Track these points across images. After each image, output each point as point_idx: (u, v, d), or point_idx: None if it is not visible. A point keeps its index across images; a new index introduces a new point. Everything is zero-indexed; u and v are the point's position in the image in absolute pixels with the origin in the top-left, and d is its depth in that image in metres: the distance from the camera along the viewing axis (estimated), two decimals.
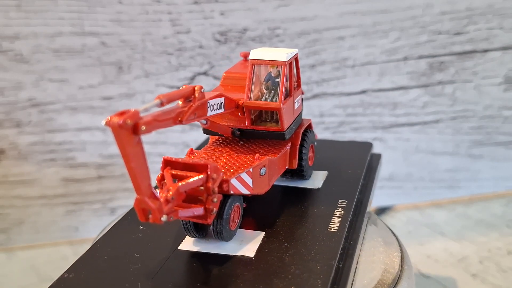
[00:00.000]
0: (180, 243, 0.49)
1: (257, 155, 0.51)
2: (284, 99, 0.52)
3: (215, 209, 0.44)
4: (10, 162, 0.82)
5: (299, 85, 0.57)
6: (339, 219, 0.51)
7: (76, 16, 0.78)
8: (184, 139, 0.86)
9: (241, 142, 0.56)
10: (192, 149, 0.53)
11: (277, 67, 0.52)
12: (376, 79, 0.88)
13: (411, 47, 0.87)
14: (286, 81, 0.53)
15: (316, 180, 0.59)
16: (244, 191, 0.48)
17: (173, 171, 0.45)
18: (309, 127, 0.60)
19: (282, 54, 0.52)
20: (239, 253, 0.47)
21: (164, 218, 0.40)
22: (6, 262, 0.82)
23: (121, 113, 0.37)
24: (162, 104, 0.41)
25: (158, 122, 0.40)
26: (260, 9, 0.81)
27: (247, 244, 0.48)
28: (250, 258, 0.46)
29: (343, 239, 0.48)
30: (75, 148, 0.83)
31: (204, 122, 0.50)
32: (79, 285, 0.44)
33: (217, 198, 0.44)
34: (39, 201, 0.85)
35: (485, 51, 0.89)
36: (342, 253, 0.48)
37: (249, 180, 0.48)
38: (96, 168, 0.85)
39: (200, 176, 0.43)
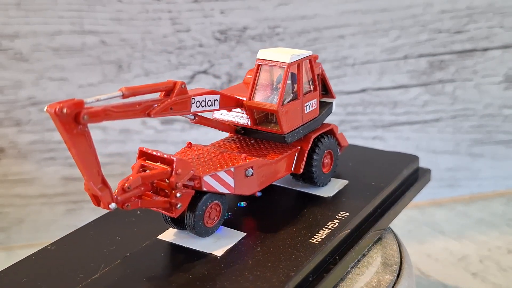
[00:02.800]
0: (162, 233, 0.50)
1: (243, 155, 0.50)
2: (288, 102, 0.51)
3: (180, 204, 0.45)
4: (10, 161, 0.82)
5: (315, 88, 0.55)
6: (328, 231, 0.50)
7: (76, 15, 0.78)
8: (184, 138, 0.86)
9: (252, 142, 0.55)
10: (190, 142, 0.53)
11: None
12: (376, 77, 0.88)
13: (411, 46, 0.87)
14: (294, 83, 0.52)
15: (331, 188, 0.58)
16: (222, 189, 0.48)
17: (144, 162, 0.46)
18: (329, 133, 0.58)
19: (287, 55, 0.51)
20: (208, 251, 0.47)
21: (112, 205, 0.42)
22: (5, 260, 0.82)
23: (63, 101, 0.38)
24: (123, 96, 0.42)
25: (113, 113, 0.41)
26: (260, 7, 0.81)
27: (222, 243, 0.48)
28: (216, 257, 0.46)
29: (322, 252, 0.47)
30: None
31: (192, 117, 0.50)
32: (55, 257, 0.48)
33: (181, 193, 0.44)
34: (39, 200, 0.85)
35: (485, 49, 0.89)
36: (320, 267, 0.47)
37: (229, 180, 0.48)
38: None
39: (164, 170, 0.44)
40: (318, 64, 0.58)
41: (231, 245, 0.48)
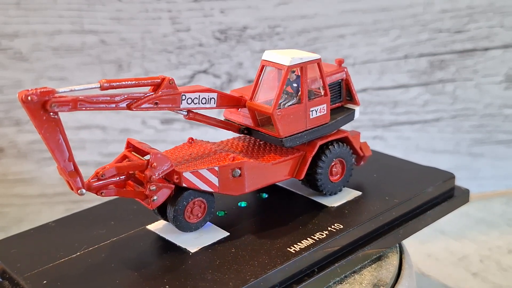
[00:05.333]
0: (152, 223, 0.52)
1: (231, 155, 0.50)
2: (290, 105, 0.50)
3: (156, 197, 0.46)
4: (10, 160, 0.82)
5: (326, 93, 0.53)
6: (311, 241, 0.48)
7: (76, 14, 0.78)
8: (184, 138, 0.86)
9: (261, 143, 0.55)
10: (191, 138, 0.54)
11: (293, 71, 0.51)
12: (377, 77, 0.88)
13: (412, 45, 0.87)
14: (298, 87, 0.51)
15: (340, 198, 0.55)
16: (205, 187, 0.48)
17: (128, 153, 0.48)
18: (343, 140, 0.56)
19: (287, 58, 0.50)
20: (184, 246, 0.48)
21: (82, 191, 0.44)
22: None
23: (34, 89, 0.40)
24: (102, 88, 0.43)
25: (88, 103, 0.43)
26: (260, 7, 0.81)
27: (201, 240, 0.49)
28: (188, 252, 0.47)
29: (296, 262, 0.46)
30: (74, 146, 0.82)
31: (185, 113, 0.50)
32: (49, 233, 0.52)
33: (156, 187, 0.45)
34: (38, 200, 0.85)
35: (486, 49, 0.88)
36: (292, 277, 0.46)
37: (213, 178, 0.48)
38: (96, 167, 0.85)
39: (140, 162, 0.46)
40: (343, 68, 0.57)
41: (208, 244, 0.48)
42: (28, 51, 0.78)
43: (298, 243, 0.48)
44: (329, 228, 0.50)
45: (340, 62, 0.57)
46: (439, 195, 0.59)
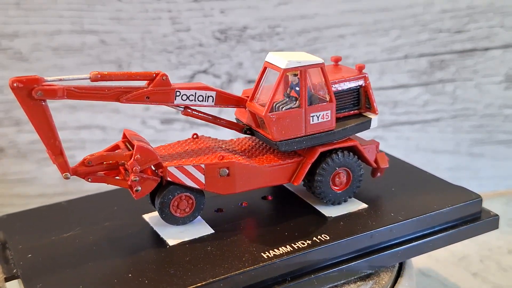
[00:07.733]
0: (148, 213, 0.53)
1: (219, 154, 0.50)
2: (288, 109, 0.50)
3: (139, 187, 0.47)
4: (10, 160, 0.82)
5: (331, 100, 0.51)
6: (288, 249, 0.47)
7: (76, 14, 0.78)
8: (184, 138, 0.86)
9: (265, 145, 0.55)
10: (195, 133, 0.55)
11: (296, 75, 0.50)
12: (377, 77, 0.88)
13: (412, 46, 0.87)
14: (297, 90, 0.51)
15: (342, 209, 0.53)
16: (190, 183, 0.49)
17: (121, 143, 0.50)
18: (350, 149, 0.53)
19: (284, 60, 0.49)
20: (165, 238, 0.49)
21: (67, 175, 0.46)
22: None
23: (23, 76, 0.42)
24: (92, 79, 0.45)
25: (75, 93, 0.44)
26: (260, 7, 0.81)
27: (184, 234, 0.49)
28: (166, 245, 0.48)
29: (266, 268, 0.45)
30: (74, 146, 0.83)
31: (182, 108, 0.51)
32: (56, 212, 0.56)
33: (138, 177, 0.47)
34: (38, 200, 0.85)
35: (486, 49, 0.88)
36: (262, 283, 0.45)
37: (199, 175, 0.48)
38: None
39: (125, 153, 0.47)
40: (363, 74, 0.55)
41: (189, 239, 0.49)
42: (28, 51, 0.78)
43: (275, 249, 0.47)
44: (314, 238, 0.49)
45: (360, 68, 0.55)
46: (459, 218, 0.56)
